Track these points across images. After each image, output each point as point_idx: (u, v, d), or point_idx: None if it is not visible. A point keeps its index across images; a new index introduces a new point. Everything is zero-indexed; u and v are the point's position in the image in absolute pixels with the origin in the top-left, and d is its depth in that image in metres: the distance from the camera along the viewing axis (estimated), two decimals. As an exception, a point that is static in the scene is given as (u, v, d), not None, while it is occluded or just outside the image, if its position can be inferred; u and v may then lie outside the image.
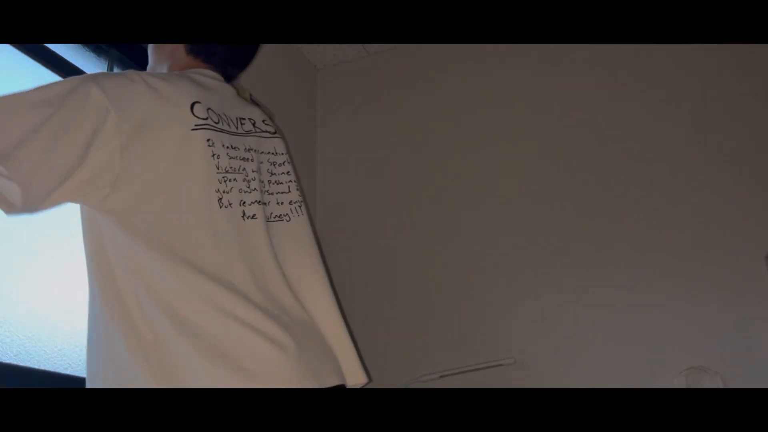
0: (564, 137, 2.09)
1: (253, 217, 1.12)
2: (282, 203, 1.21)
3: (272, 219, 1.17)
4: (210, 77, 1.24)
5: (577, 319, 1.87)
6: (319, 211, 2.37)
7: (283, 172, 1.25)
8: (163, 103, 1.04)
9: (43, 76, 1.58)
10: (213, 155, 1.08)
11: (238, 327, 0.97)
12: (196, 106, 1.09)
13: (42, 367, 1.38)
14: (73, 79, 0.99)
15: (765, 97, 1.88)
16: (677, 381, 1.68)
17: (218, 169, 1.08)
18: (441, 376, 1.90)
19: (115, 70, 1.82)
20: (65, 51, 1.64)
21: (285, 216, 1.20)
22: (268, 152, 1.24)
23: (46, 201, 0.92)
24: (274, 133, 1.29)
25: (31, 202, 0.89)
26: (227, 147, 1.12)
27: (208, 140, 1.08)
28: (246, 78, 2.15)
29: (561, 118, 2.11)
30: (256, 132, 1.24)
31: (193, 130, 1.06)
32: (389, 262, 2.18)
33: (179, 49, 1.26)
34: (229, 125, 1.17)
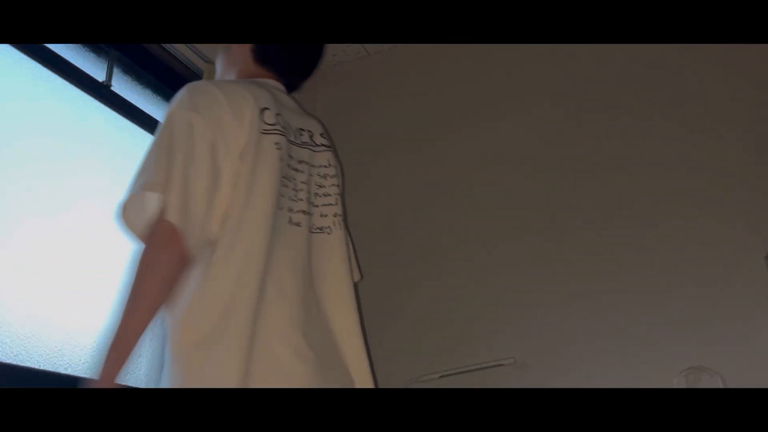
0: (564, 137, 2.09)
1: (298, 224, 1.18)
2: (326, 216, 1.26)
3: (314, 230, 1.22)
4: (275, 87, 1.30)
5: (577, 320, 1.87)
6: (319, 211, 2.36)
7: (332, 184, 1.30)
8: (236, 108, 1.12)
9: (43, 76, 1.58)
10: (281, 158, 1.16)
11: (271, 336, 1.05)
12: (265, 112, 1.17)
13: (42, 367, 1.38)
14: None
15: (765, 97, 1.88)
16: (677, 381, 1.68)
17: (280, 174, 1.16)
18: (441, 376, 1.90)
19: (115, 70, 1.82)
20: (65, 51, 1.64)
21: (327, 228, 1.25)
22: (320, 165, 1.30)
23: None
24: (329, 146, 1.35)
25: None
26: (288, 156, 1.20)
27: (277, 143, 1.16)
28: (246, 78, 2.15)
29: (562, 119, 2.11)
30: (311, 145, 1.30)
31: (262, 133, 1.14)
32: (389, 263, 2.18)
33: (248, 58, 1.32)
34: (291, 134, 1.24)
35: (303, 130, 1.29)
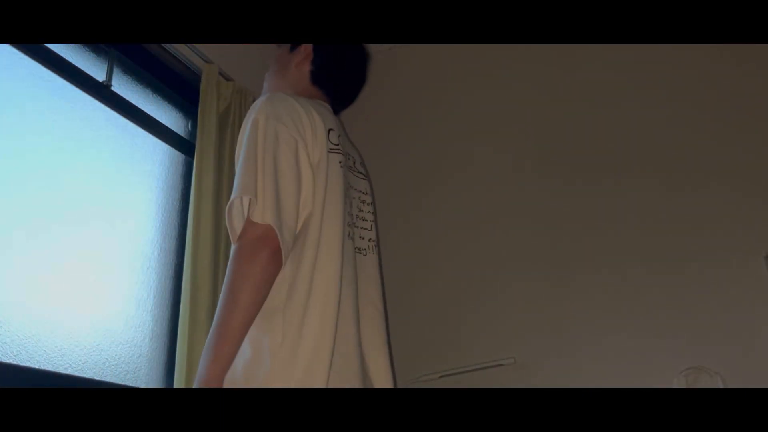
0: (564, 137, 2.09)
1: (350, 236, 1.25)
2: (363, 238, 1.32)
3: (354, 250, 1.27)
4: (329, 109, 1.36)
5: (577, 320, 1.87)
6: (319, 211, 2.37)
7: (368, 211, 1.37)
8: (312, 123, 1.20)
9: (43, 76, 1.58)
10: (344, 176, 1.24)
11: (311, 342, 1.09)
12: (331, 132, 1.24)
13: (42, 367, 1.38)
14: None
15: (765, 97, 1.88)
16: (677, 381, 1.68)
17: (345, 189, 1.24)
18: (441, 376, 1.90)
19: (115, 70, 1.82)
20: (65, 51, 1.64)
21: (363, 250, 1.30)
22: (359, 191, 1.37)
23: None
24: (366, 175, 1.43)
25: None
26: (347, 171, 1.28)
27: (340, 162, 1.24)
28: (247, 78, 2.15)
29: (562, 118, 2.11)
30: (354, 170, 1.37)
31: (329, 152, 1.21)
32: (389, 263, 2.18)
33: (305, 77, 1.39)
34: (347, 158, 1.32)
35: (350, 155, 1.37)
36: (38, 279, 1.44)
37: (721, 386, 1.63)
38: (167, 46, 1.93)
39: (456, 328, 2.01)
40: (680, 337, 1.74)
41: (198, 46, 1.98)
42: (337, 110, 1.44)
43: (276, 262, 1.06)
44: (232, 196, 1.11)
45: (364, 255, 1.30)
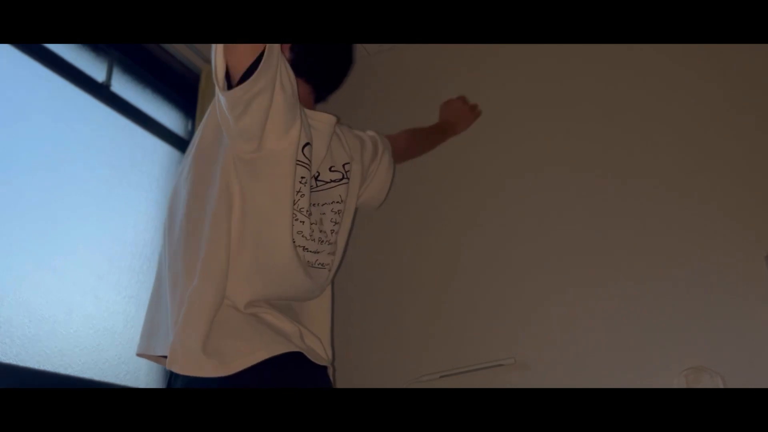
0: (565, 137, 2.08)
1: (308, 263, 1.25)
2: (331, 253, 1.33)
3: (316, 266, 1.28)
4: (319, 120, 1.34)
5: (577, 319, 1.87)
6: (319, 211, 2.36)
7: (341, 221, 1.37)
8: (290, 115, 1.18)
9: (43, 76, 1.58)
10: (298, 192, 1.21)
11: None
12: (306, 147, 1.23)
13: (42, 367, 1.38)
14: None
15: (766, 97, 1.88)
16: (677, 381, 1.68)
17: (295, 205, 1.21)
18: (441, 376, 1.90)
19: (115, 70, 1.82)
20: (65, 51, 1.64)
21: (327, 266, 1.31)
22: (333, 201, 1.35)
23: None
24: (342, 178, 1.40)
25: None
26: (309, 190, 1.25)
27: (302, 178, 1.22)
28: (246, 78, 2.14)
29: (562, 118, 2.11)
30: (329, 183, 1.35)
31: (296, 163, 1.19)
32: (389, 263, 2.18)
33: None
34: (313, 169, 1.29)
35: (334, 167, 1.37)
36: (38, 279, 1.44)
37: (721, 386, 1.63)
38: (167, 46, 1.93)
39: (456, 328, 2.01)
40: (680, 337, 1.74)
41: (198, 46, 1.98)
42: (322, 97, 1.42)
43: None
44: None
45: (329, 271, 1.34)
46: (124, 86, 1.84)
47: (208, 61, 2.00)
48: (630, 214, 1.91)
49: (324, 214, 1.32)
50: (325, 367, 1.23)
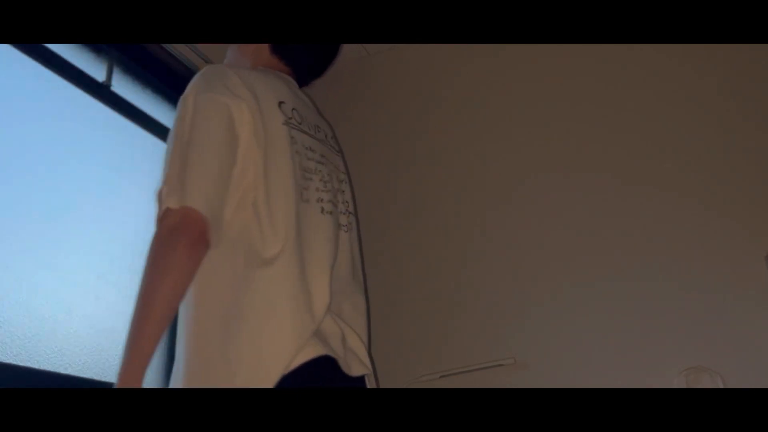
0: (563, 137, 2.08)
1: (330, 213, 1.18)
2: (344, 213, 1.26)
3: (338, 224, 1.22)
4: (289, 81, 1.29)
5: (577, 319, 1.87)
6: (319, 211, 2.36)
7: (343, 190, 1.30)
8: (253, 92, 1.10)
9: (43, 76, 1.58)
10: (297, 153, 1.14)
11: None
12: (282, 105, 1.15)
13: (42, 367, 1.38)
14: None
15: (766, 97, 1.88)
16: (677, 381, 1.68)
17: (299, 167, 1.14)
18: (441, 376, 1.90)
19: (115, 70, 1.82)
20: (65, 51, 1.64)
21: (344, 226, 1.24)
22: (335, 166, 1.29)
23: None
24: (339, 151, 1.35)
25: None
26: (307, 148, 1.18)
27: (292, 137, 1.14)
28: (246, 78, 2.14)
29: (561, 118, 2.11)
30: (327, 143, 1.29)
31: (282, 124, 1.12)
32: (389, 263, 2.18)
33: (263, 49, 1.30)
34: (309, 128, 1.23)
35: (319, 127, 1.29)
36: (38, 279, 1.44)
37: (721, 386, 1.63)
38: (167, 46, 1.93)
39: (456, 328, 2.01)
40: (680, 337, 1.74)
41: (198, 46, 1.98)
42: (303, 82, 1.36)
43: (198, 250, 0.98)
44: (158, 189, 1.04)
45: (346, 231, 1.24)
46: (124, 86, 1.84)
47: (208, 61, 2.00)
48: (630, 214, 1.91)
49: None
50: None
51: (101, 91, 1.74)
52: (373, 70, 2.51)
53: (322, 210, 1.16)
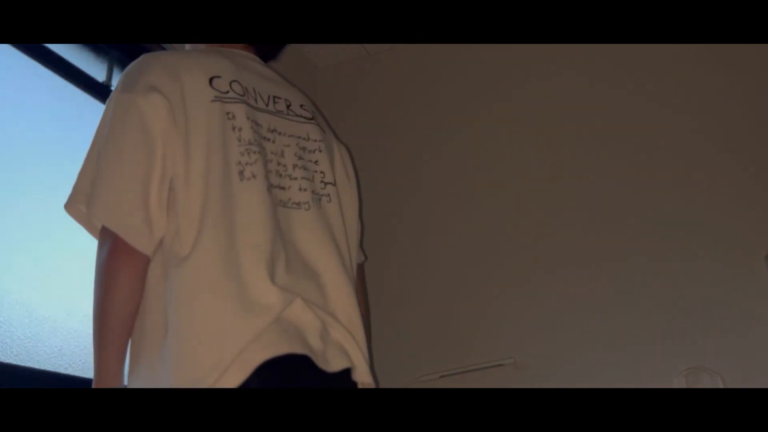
0: (563, 137, 2.09)
1: (284, 188, 1.10)
2: (304, 190, 1.14)
3: (290, 205, 1.10)
4: (240, 55, 1.21)
5: (577, 320, 1.87)
6: (319, 211, 2.36)
7: (311, 160, 1.19)
8: (182, 79, 1.05)
9: (43, 76, 1.58)
10: (234, 128, 1.06)
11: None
12: (215, 80, 1.08)
13: (42, 367, 1.38)
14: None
15: (765, 96, 1.88)
16: (677, 381, 1.68)
17: (240, 141, 1.06)
18: (441, 376, 1.90)
19: (115, 70, 1.82)
20: (65, 51, 1.64)
21: (304, 204, 1.12)
22: (299, 136, 1.18)
23: None
24: (311, 118, 1.24)
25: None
26: (252, 121, 1.10)
27: (228, 113, 1.07)
28: (246, 78, 2.14)
29: (561, 118, 2.11)
30: (288, 114, 1.19)
31: (212, 101, 1.06)
32: (389, 263, 2.18)
33: None
34: (256, 100, 1.14)
35: (278, 98, 1.20)
36: (38, 279, 1.44)
37: (721, 386, 1.63)
38: (167, 46, 1.92)
39: (456, 328, 2.01)
40: (680, 337, 1.74)
41: (198, 46, 1.98)
42: (270, 55, 1.30)
43: (140, 270, 0.99)
44: (66, 201, 1.06)
45: (306, 209, 1.12)
46: (124, 86, 1.84)
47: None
48: (630, 214, 1.91)
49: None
50: None
51: (101, 91, 1.74)
52: (373, 70, 2.51)
53: (269, 186, 1.07)
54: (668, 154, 1.93)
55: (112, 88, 1.76)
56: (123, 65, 1.86)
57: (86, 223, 1.08)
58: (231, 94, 1.09)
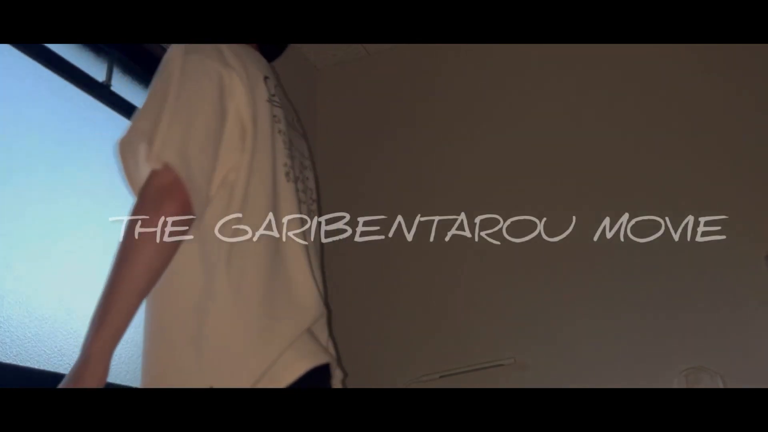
0: (562, 137, 2.09)
1: (302, 201, 1.13)
2: (305, 203, 1.18)
3: (309, 210, 1.17)
4: (262, 58, 1.21)
5: (577, 320, 1.87)
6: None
7: (307, 177, 1.22)
8: (249, 71, 1.04)
9: (43, 76, 1.58)
10: (279, 131, 1.08)
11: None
12: (268, 80, 1.09)
13: (42, 367, 1.38)
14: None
15: (765, 97, 1.88)
16: (677, 381, 1.68)
17: (284, 144, 1.09)
18: (441, 376, 1.90)
19: (115, 70, 1.82)
20: (65, 51, 1.64)
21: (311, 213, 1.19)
22: (300, 151, 1.21)
23: None
24: (303, 135, 1.28)
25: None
26: (288, 127, 1.13)
27: (275, 116, 1.08)
28: (246, 78, 2.14)
29: (560, 118, 2.11)
30: (295, 126, 1.22)
31: (267, 101, 1.06)
32: (389, 263, 2.18)
33: None
34: (285, 109, 1.17)
35: (289, 108, 1.24)
36: (38, 279, 1.44)
37: (721, 386, 1.63)
38: (167, 46, 1.92)
39: (456, 328, 2.01)
40: (680, 337, 1.74)
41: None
42: (271, 56, 1.29)
43: (184, 216, 0.89)
44: (121, 138, 0.95)
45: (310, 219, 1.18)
46: (124, 86, 1.84)
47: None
48: (629, 214, 1.92)
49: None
50: None
51: (101, 91, 1.74)
52: (373, 70, 2.51)
53: (297, 190, 1.10)
54: (667, 155, 1.93)
55: (112, 88, 1.77)
56: (123, 65, 1.86)
57: (133, 168, 0.99)
58: (276, 98, 1.11)
